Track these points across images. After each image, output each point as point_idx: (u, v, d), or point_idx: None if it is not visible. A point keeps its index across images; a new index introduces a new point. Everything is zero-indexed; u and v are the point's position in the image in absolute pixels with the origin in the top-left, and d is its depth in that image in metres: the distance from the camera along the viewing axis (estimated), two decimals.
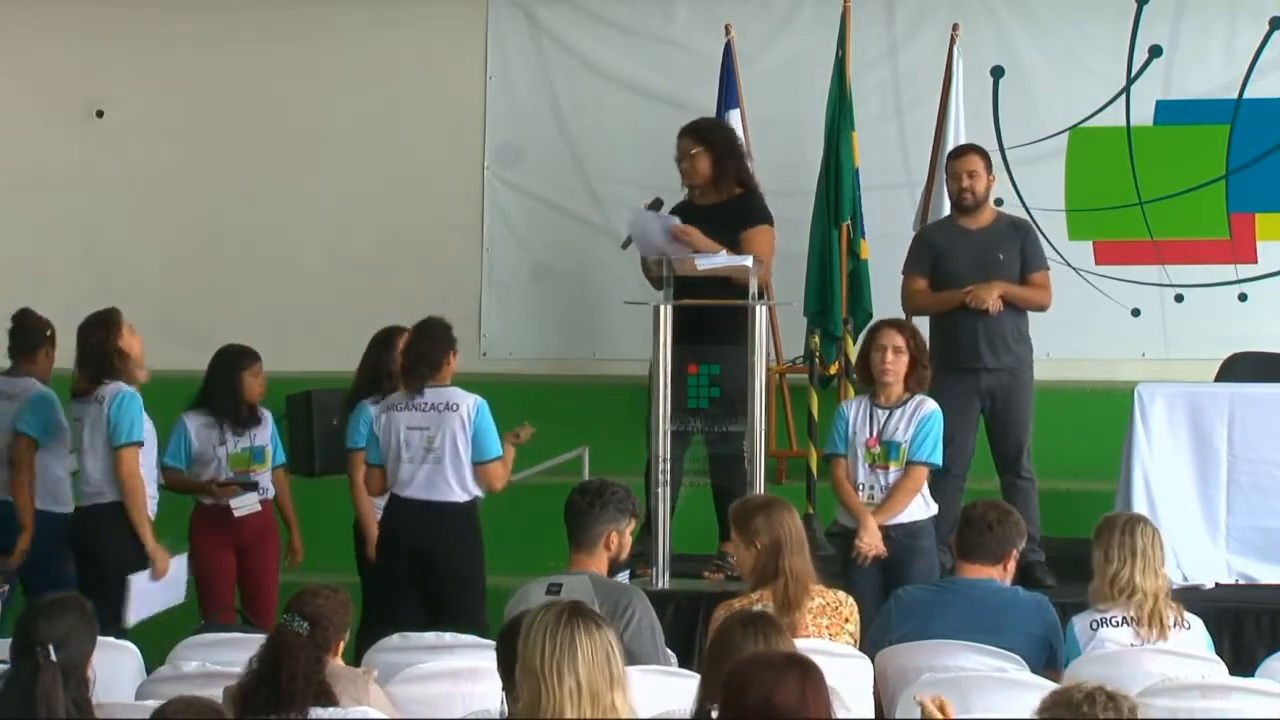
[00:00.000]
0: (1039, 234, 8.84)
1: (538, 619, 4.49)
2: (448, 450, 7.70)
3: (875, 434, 7.62)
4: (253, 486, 8.27)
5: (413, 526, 7.74)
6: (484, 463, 7.73)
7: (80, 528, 8.03)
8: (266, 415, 8.45)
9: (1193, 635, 6.34)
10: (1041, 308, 8.57)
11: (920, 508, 7.59)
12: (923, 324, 8.34)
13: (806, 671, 4.22)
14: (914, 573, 7.38)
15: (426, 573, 7.75)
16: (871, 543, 7.47)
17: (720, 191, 8.58)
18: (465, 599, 7.72)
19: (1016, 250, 8.49)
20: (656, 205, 8.40)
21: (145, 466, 7.93)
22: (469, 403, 7.75)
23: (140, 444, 7.86)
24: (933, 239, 8.73)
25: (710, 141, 8.62)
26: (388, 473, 7.82)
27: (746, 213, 8.55)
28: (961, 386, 8.21)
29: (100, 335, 7.93)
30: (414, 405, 7.76)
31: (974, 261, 8.46)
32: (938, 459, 7.57)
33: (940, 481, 7.92)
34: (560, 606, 4.51)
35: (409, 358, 7.83)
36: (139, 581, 7.76)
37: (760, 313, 8.00)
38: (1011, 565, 6.52)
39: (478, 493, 7.80)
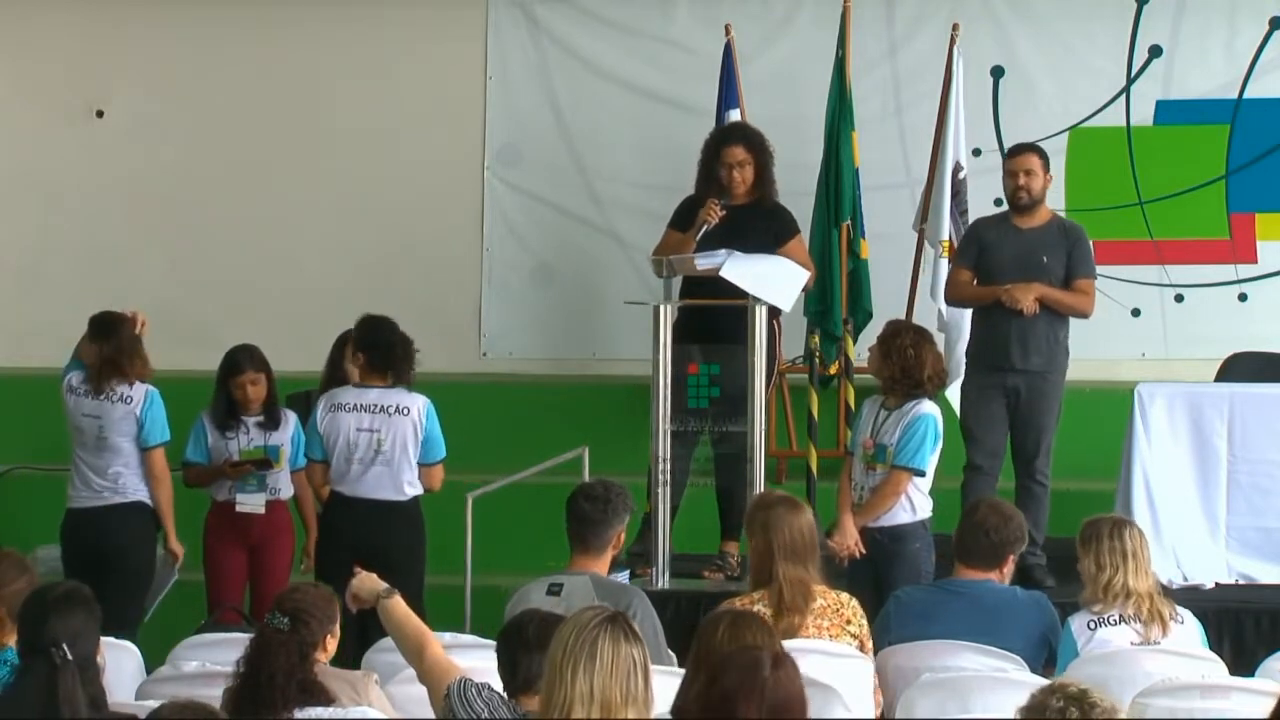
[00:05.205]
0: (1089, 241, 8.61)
1: (575, 617, 4.48)
2: (397, 453, 7.79)
3: (872, 435, 7.62)
4: (266, 465, 8.15)
5: (359, 526, 7.80)
6: (432, 464, 7.87)
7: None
8: (289, 417, 8.35)
9: (1187, 630, 6.36)
10: (1082, 314, 8.38)
11: (904, 511, 7.54)
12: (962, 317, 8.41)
13: (788, 666, 4.25)
14: (894, 577, 7.35)
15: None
16: (841, 541, 7.48)
17: (749, 195, 8.56)
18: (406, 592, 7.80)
19: (1063, 254, 8.29)
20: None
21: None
22: (418, 405, 7.84)
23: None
24: (982, 233, 8.53)
25: (759, 151, 8.58)
26: (332, 470, 7.89)
27: (786, 224, 8.61)
28: (988, 382, 8.19)
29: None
30: (363, 406, 7.83)
31: (1017, 260, 8.30)
32: (921, 464, 7.50)
33: (972, 479, 7.94)
34: (600, 611, 4.47)
35: (377, 354, 7.87)
36: None
37: (760, 313, 7.99)
38: (1009, 568, 6.52)
39: (419, 491, 7.91)
